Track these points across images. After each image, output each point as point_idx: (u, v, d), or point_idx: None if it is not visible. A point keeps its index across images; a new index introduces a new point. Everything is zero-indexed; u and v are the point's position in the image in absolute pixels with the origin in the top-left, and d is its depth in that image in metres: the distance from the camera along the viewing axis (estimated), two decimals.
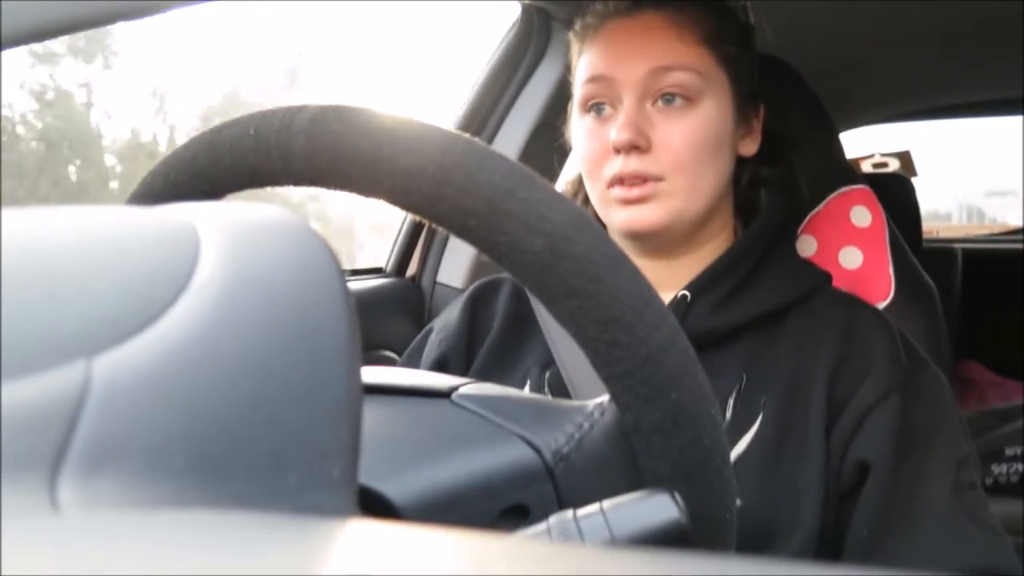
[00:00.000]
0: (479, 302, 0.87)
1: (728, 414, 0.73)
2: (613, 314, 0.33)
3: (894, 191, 1.19)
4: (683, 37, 0.75)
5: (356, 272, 1.39)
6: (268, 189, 0.39)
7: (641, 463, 0.35)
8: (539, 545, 0.29)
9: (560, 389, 0.76)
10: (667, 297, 0.77)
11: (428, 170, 0.33)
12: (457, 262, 1.34)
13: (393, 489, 0.30)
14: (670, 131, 0.74)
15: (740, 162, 0.82)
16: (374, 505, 0.30)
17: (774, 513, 0.69)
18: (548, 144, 1.20)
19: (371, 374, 0.40)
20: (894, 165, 2.20)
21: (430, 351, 0.86)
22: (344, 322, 0.23)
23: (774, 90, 0.85)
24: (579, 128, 0.80)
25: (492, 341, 0.83)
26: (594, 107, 0.78)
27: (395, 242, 1.40)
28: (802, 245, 0.95)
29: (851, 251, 0.97)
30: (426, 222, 0.36)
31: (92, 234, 0.23)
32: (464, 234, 0.34)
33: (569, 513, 0.32)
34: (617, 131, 0.74)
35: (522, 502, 0.33)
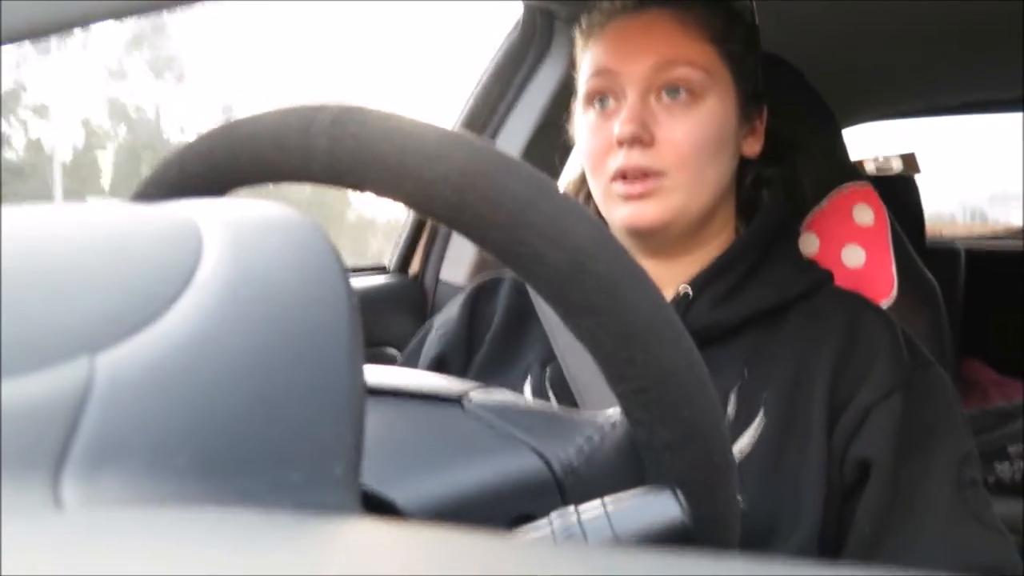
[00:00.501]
0: (479, 299, 0.88)
1: (730, 410, 0.73)
2: (631, 331, 0.33)
3: (897, 189, 1.19)
4: (688, 34, 0.76)
5: (359, 269, 1.39)
6: (269, 186, 0.39)
7: (650, 478, 0.35)
8: (542, 544, 0.29)
9: (561, 385, 0.76)
10: (668, 294, 0.77)
11: (451, 178, 0.33)
12: (460, 259, 1.34)
13: (401, 495, 0.30)
14: (673, 126, 0.74)
15: (743, 163, 0.82)
16: (381, 510, 0.30)
17: (775, 511, 0.69)
18: (551, 143, 1.20)
19: (381, 375, 0.40)
20: (897, 166, 2.19)
21: (430, 348, 0.86)
22: (347, 319, 0.23)
23: (776, 88, 0.85)
24: (583, 123, 0.80)
25: (492, 338, 0.84)
26: (598, 100, 0.78)
27: (398, 239, 1.40)
28: (804, 243, 0.95)
29: (854, 249, 0.97)
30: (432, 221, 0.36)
31: (95, 231, 0.23)
32: (485, 244, 0.34)
33: (572, 512, 0.32)
34: (621, 124, 0.74)
35: (530, 512, 0.33)
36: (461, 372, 0.83)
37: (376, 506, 0.30)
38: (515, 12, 1.29)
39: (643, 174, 0.74)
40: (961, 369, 1.89)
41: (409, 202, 0.34)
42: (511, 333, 0.83)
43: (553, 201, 0.33)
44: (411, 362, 0.88)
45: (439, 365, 0.84)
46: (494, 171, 0.33)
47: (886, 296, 0.95)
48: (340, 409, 0.22)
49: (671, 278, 0.78)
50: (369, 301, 1.27)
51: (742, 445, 0.71)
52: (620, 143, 0.74)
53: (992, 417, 1.59)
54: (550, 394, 0.77)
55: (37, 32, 0.48)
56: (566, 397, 0.75)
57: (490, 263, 1.24)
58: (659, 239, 0.78)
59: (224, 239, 0.23)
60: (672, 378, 0.33)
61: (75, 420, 0.19)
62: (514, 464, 0.34)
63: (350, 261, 1.42)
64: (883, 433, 0.70)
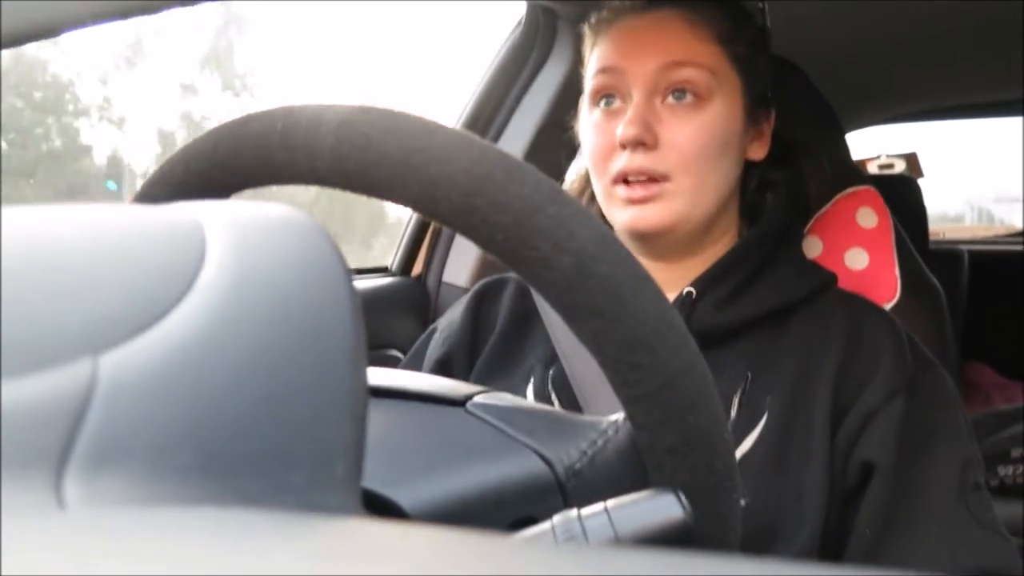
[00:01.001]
0: (483, 301, 0.87)
1: (732, 413, 0.73)
2: (636, 336, 0.33)
3: (900, 192, 1.19)
4: (697, 35, 0.75)
5: (361, 271, 1.39)
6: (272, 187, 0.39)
7: (652, 483, 0.35)
8: (543, 544, 0.29)
9: (564, 387, 0.76)
10: (671, 295, 0.77)
11: (458, 180, 0.33)
12: (462, 261, 1.34)
13: (403, 496, 0.30)
14: (678, 129, 0.74)
15: (748, 166, 0.82)
16: (384, 512, 0.30)
17: (778, 512, 0.69)
18: (554, 143, 1.20)
19: (385, 377, 0.40)
20: (900, 166, 2.19)
21: (433, 350, 0.86)
22: (349, 321, 0.23)
23: (780, 90, 0.85)
24: (588, 122, 0.80)
25: (496, 339, 0.83)
26: (604, 98, 0.78)
27: (400, 241, 1.40)
28: (808, 246, 0.95)
29: (857, 252, 0.96)
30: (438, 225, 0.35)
31: (98, 232, 0.23)
32: (491, 247, 0.34)
33: (574, 513, 0.32)
34: (624, 126, 0.73)
35: (532, 515, 0.33)
36: (465, 374, 0.83)
37: (379, 507, 0.30)
38: (518, 11, 1.29)
39: (646, 177, 0.74)
40: (964, 372, 1.88)
41: (415, 204, 0.34)
42: (514, 335, 0.83)
43: (559, 205, 0.33)
44: (415, 364, 0.88)
45: (443, 367, 0.84)
46: (501, 174, 0.33)
47: (889, 299, 0.95)
48: (342, 410, 0.22)
49: (674, 281, 0.78)
50: (372, 303, 1.27)
51: (745, 447, 0.71)
52: (623, 145, 0.74)
53: (995, 420, 1.59)
54: (552, 396, 0.77)
55: (37, 32, 0.48)
56: (569, 399, 0.75)
57: (493, 265, 1.23)
58: (662, 243, 0.78)
59: (227, 240, 0.24)
60: (676, 383, 0.33)
61: (78, 420, 0.19)
62: (517, 467, 0.34)
63: (386, 261, 1.42)
64: (886, 436, 0.70)
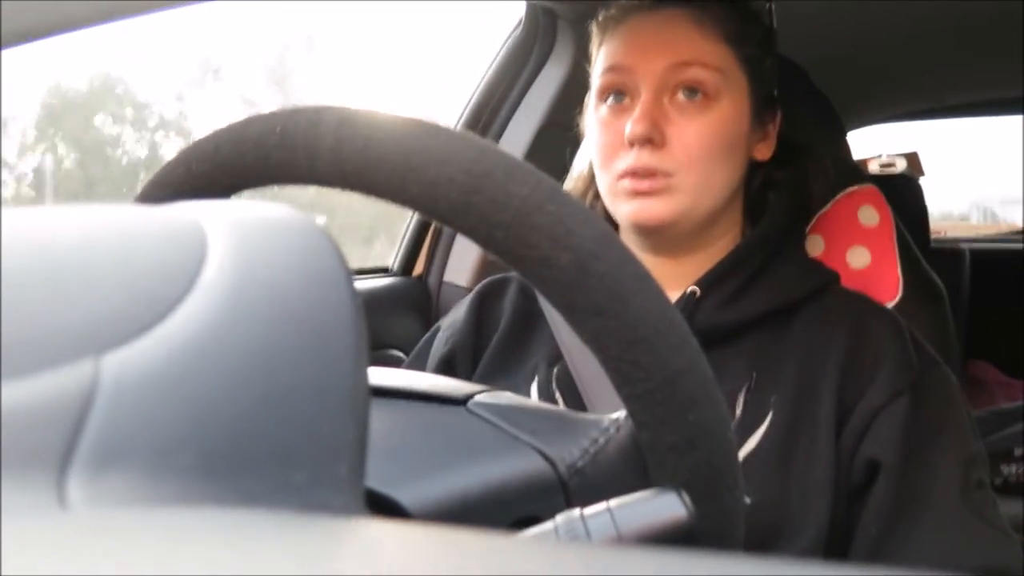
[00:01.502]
0: (487, 300, 0.88)
1: (738, 412, 0.72)
2: (636, 334, 0.33)
3: (902, 191, 1.19)
4: (705, 34, 0.75)
5: (363, 271, 1.39)
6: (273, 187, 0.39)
7: (654, 480, 0.35)
8: (546, 543, 0.29)
9: (568, 385, 0.76)
10: (673, 295, 0.77)
11: (457, 179, 0.33)
12: (464, 261, 1.34)
13: (406, 496, 0.30)
14: (685, 127, 0.74)
15: (753, 165, 0.82)
16: (386, 511, 0.30)
17: (783, 511, 0.69)
18: (554, 144, 1.20)
19: (387, 377, 0.40)
20: (901, 165, 2.19)
21: (437, 349, 0.86)
22: (351, 321, 0.23)
23: (782, 89, 0.85)
24: (595, 118, 0.80)
25: (500, 338, 0.83)
26: (612, 96, 0.78)
27: (402, 241, 1.40)
28: (810, 245, 0.95)
29: (859, 251, 0.96)
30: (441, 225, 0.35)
31: (100, 233, 0.23)
32: (490, 245, 0.34)
33: (576, 512, 0.32)
34: (632, 124, 0.73)
35: (534, 514, 0.33)
36: (468, 373, 0.83)
37: (381, 507, 0.30)
38: (517, 11, 1.29)
39: (652, 173, 0.74)
40: (967, 370, 1.88)
41: (414, 204, 0.34)
42: (518, 334, 0.83)
43: (559, 203, 0.33)
44: (418, 363, 0.88)
45: (446, 366, 0.84)
46: (500, 173, 0.33)
47: (892, 297, 0.95)
48: (344, 409, 0.22)
49: (676, 278, 0.78)
50: (373, 303, 1.27)
51: (750, 446, 0.71)
52: (631, 143, 0.74)
53: (998, 418, 1.58)
54: (556, 394, 0.77)
55: (37, 33, 0.48)
56: (572, 398, 0.75)
57: (494, 264, 1.23)
58: (664, 237, 0.78)
59: (229, 241, 0.24)
60: (677, 381, 0.33)
61: (80, 421, 0.19)
62: (519, 465, 0.34)
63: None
64: (891, 434, 0.69)
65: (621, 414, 0.37)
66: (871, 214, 0.98)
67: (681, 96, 0.75)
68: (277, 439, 0.21)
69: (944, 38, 1.42)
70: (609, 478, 0.36)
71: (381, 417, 0.27)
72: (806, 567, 0.15)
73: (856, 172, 1.05)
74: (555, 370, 0.78)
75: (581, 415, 0.39)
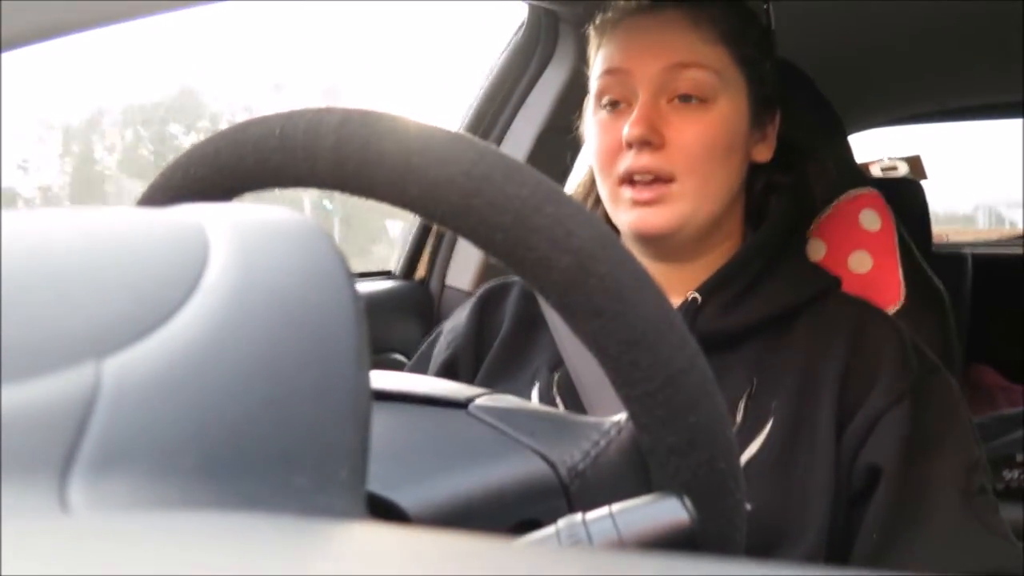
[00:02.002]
0: (488, 304, 0.87)
1: (738, 417, 0.72)
2: (636, 335, 0.33)
3: (904, 195, 1.18)
4: (702, 35, 0.75)
5: (365, 274, 1.39)
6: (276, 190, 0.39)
7: (655, 483, 0.35)
8: (548, 548, 0.29)
9: (569, 390, 0.76)
10: (675, 300, 0.77)
11: (456, 181, 0.33)
12: (466, 265, 1.34)
13: (406, 499, 0.30)
14: (684, 129, 0.74)
15: (754, 169, 0.82)
16: (387, 514, 0.30)
17: (783, 517, 0.69)
18: (556, 146, 1.20)
19: (387, 381, 0.40)
20: (903, 169, 2.19)
21: (439, 353, 0.86)
22: (353, 324, 0.23)
23: (784, 93, 0.84)
24: (593, 122, 0.79)
25: (501, 343, 0.83)
26: (609, 101, 0.78)
27: (404, 245, 1.40)
28: (811, 249, 0.95)
29: (861, 255, 0.96)
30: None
31: (102, 236, 0.23)
32: (490, 248, 0.34)
33: (578, 516, 0.32)
34: (630, 126, 0.73)
35: (535, 517, 0.33)
36: (470, 376, 0.83)
37: (382, 510, 0.30)
38: (520, 13, 1.29)
39: (652, 177, 0.74)
40: (968, 375, 1.88)
41: (414, 206, 0.34)
42: (520, 338, 0.83)
43: (558, 204, 0.33)
44: (420, 367, 0.88)
45: (448, 370, 0.84)
46: (499, 175, 0.33)
47: (893, 302, 0.95)
48: (346, 413, 0.22)
49: (678, 283, 0.78)
50: (375, 306, 1.27)
51: (751, 452, 0.71)
52: (629, 145, 0.74)
53: (1000, 423, 1.58)
54: (557, 399, 0.77)
55: (37, 34, 0.48)
56: (574, 403, 0.75)
57: (496, 268, 1.23)
58: (667, 244, 0.78)
59: (231, 244, 0.24)
60: (677, 382, 0.33)
61: (82, 424, 0.19)
62: (520, 468, 0.34)
63: None
64: (891, 440, 0.69)
65: (622, 416, 0.37)
66: (873, 218, 0.97)
67: (679, 98, 0.75)
68: (279, 443, 0.21)
69: (946, 41, 1.42)
70: (610, 480, 0.36)
71: (381, 420, 0.27)
72: (808, 572, 0.15)
73: (858, 176, 1.05)
74: (556, 375, 0.78)
75: (582, 418, 0.39)
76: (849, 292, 0.83)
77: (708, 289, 0.77)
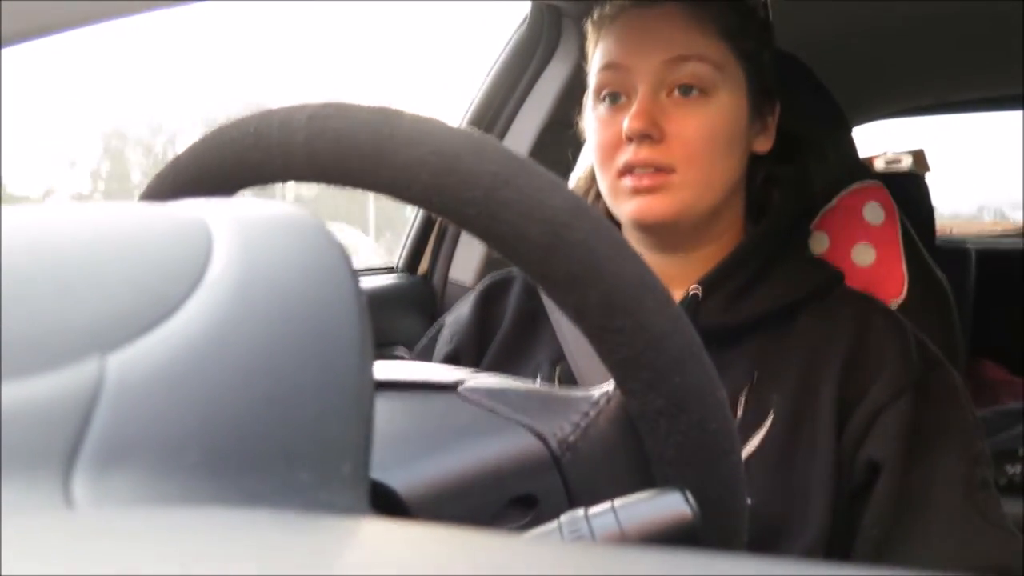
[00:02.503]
0: (490, 298, 0.88)
1: (739, 412, 0.72)
2: (614, 300, 0.33)
3: (907, 188, 1.18)
4: (701, 29, 0.75)
5: (368, 269, 1.39)
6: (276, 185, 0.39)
7: (648, 449, 0.35)
8: (550, 544, 0.29)
9: (571, 383, 0.76)
10: (677, 294, 0.77)
11: (428, 161, 0.33)
12: (468, 259, 1.34)
13: (399, 481, 0.30)
14: (684, 122, 0.74)
15: (754, 160, 0.81)
16: (380, 497, 0.30)
17: (784, 511, 0.69)
18: (559, 142, 1.20)
19: (380, 370, 0.40)
20: (907, 162, 2.19)
21: (441, 347, 0.86)
22: (356, 319, 0.23)
23: (786, 85, 0.84)
24: (593, 117, 0.79)
25: (503, 336, 0.84)
26: (608, 96, 0.78)
27: (406, 239, 1.40)
28: (814, 242, 0.95)
29: (864, 248, 0.96)
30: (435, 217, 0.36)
31: (105, 231, 0.23)
32: (464, 224, 0.34)
33: (580, 511, 0.32)
34: (630, 120, 0.73)
35: (529, 492, 0.33)
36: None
37: (375, 492, 0.30)
38: (522, 9, 1.29)
39: (653, 169, 0.74)
40: (971, 369, 1.88)
41: (389, 190, 0.35)
42: (521, 332, 0.83)
43: (528, 177, 0.33)
44: (423, 360, 0.88)
45: (451, 363, 0.85)
46: (469, 152, 0.33)
47: (896, 295, 0.95)
48: (349, 408, 0.22)
49: (680, 276, 0.78)
50: (378, 301, 1.27)
51: (752, 446, 0.71)
52: (629, 138, 0.74)
53: (1002, 418, 1.58)
54: None
55: (37, 32, 0.49)
56: None
57: (499, 263, 1.23)
58: (667, 234, 0.78)
59: (234, 239, 0.24)
60: (660, 344, 0.33)
61: (86, 419, 0.19)
62: (510, 444, 0.34)
63: None
64: (893, 434, 0.69)
65: (611, 386, 0.37)
66: (877, 211, 0.97)
67: (678, 91, 0.75)
68: (282, 438, 0.21)
69: (949, 33, 1.41)
70: (602, 451, 0.36)
71: (375, 407, 0.27)
72: (809, 567, 0.15)
73: (861, 169, 1.05)
74: (558, 369, 0.78)
75: (571, 391, 0.39)
76: (852, 285, 0.83)
77: (709, 283, 0.77)
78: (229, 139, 0.38)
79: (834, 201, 0.97)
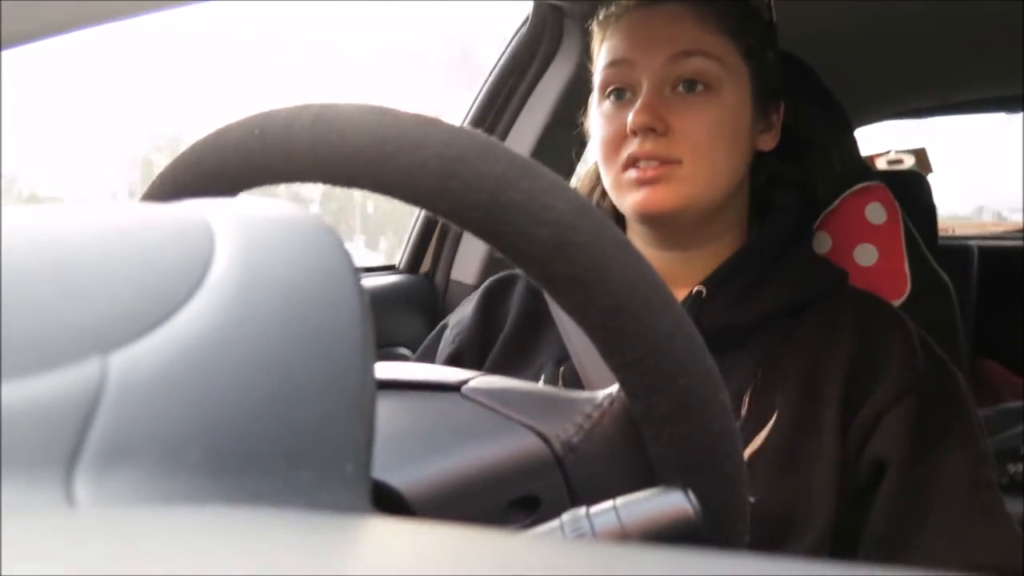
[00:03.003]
0: (493, 298, 0.88)
1: (743, 412, 0.72)
2: (619, 302, 0.33)
3: (909, 188, 1.18)
4: (705, 26, 0.75)
5: (370, 269, 1.39)
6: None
7: (651, 451, 0.35)
8: (552, 542, 0.29)
9: (574, 384, 0.76)
10: (681, 293, 0.77)
11: (431, 164, 0.33)
12: (470, 258, 1.34)
13: (402, 481, 0.30)
14: (689, 117, 0.74)
15: (758, 158, 0.82)
16: (383, 498, 0.30)
17: (788, 511, 0.69)
18: (561, 141, 1.20)
19: (381, 369, 0.40)
20: (909, 162, 2.18)
21: (445, 347, 0.86)
22: (358, 319, 0.23)
23: (789, 86, 0.84)
24: (598, 113, 0.80)
25: (506, 337, 0.83)
26: (614, 92, 0.78)
27: (408, 239, 1.40)
28: (817, 242, 0.95)
29: (866, 248, 0.96)
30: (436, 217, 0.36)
31: (107, 230, 0.23)
32: (469, 226, 0.34)
33: (582, 510, 0.32)
34: (634, 114, 0.73)
35: (532, 493, 0.33)
36: (476, 370, 0.83)
37: (378, 493, 0.30)
38: (525, 9, 1.29)
39: (657, 161, 0.74)
40: (974, 368, 1.87)
41: (394, 192, 0.35)
42: (525, 332, 0.83)
43: (533, 179, 0.33)
44: (425, 360, 0.88)
45: (454, 363, 0.84)
46: (473, 154, 0.33)
47: (899, 295, 0.95)
48: (351, 408, 0.22)
49: (683, 274, 0.78)
50: (380, 300, 1.27)
51: (756, 445, 0.71)
52: (634, 132, 0.74)
53: (1004, 417, 1.58)
54: None
55: (37, 32, 0.49)
56: None
57: (501, 262, 1.23)
58: (671, 227, 0.78)
59: (236, 239, 0.24)
60: (664, 347, 0.33)
61: (88, 419, 0.19)
62: (514, 445, 0.34)
63: None
64: (897, 433, 0.69)
65: (615, 388, 0.37)
66: (879, 211, 0.97)
67: (683, 87, 0.75)
68: (284, 438, 0.21)
69: (952, 34, 1.41)
70: (605, 452, 0.36)
71: (378, 407, 0.27)
72: (813, 566, 0.15)
73: (864, 169, 1.05)
74: (561, 370, 0.78)
75: (575, 393, 0.39)
76: (855, 285, 0.83)
77: (714, 282, 0.77)
78: (233, 140, 0.38)
79: (836, 202, 0.97)
